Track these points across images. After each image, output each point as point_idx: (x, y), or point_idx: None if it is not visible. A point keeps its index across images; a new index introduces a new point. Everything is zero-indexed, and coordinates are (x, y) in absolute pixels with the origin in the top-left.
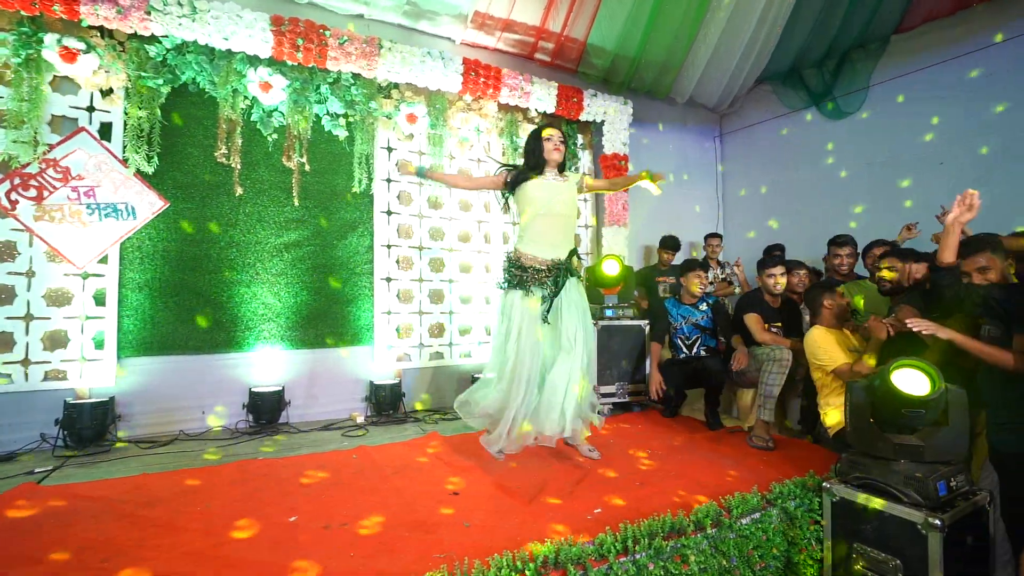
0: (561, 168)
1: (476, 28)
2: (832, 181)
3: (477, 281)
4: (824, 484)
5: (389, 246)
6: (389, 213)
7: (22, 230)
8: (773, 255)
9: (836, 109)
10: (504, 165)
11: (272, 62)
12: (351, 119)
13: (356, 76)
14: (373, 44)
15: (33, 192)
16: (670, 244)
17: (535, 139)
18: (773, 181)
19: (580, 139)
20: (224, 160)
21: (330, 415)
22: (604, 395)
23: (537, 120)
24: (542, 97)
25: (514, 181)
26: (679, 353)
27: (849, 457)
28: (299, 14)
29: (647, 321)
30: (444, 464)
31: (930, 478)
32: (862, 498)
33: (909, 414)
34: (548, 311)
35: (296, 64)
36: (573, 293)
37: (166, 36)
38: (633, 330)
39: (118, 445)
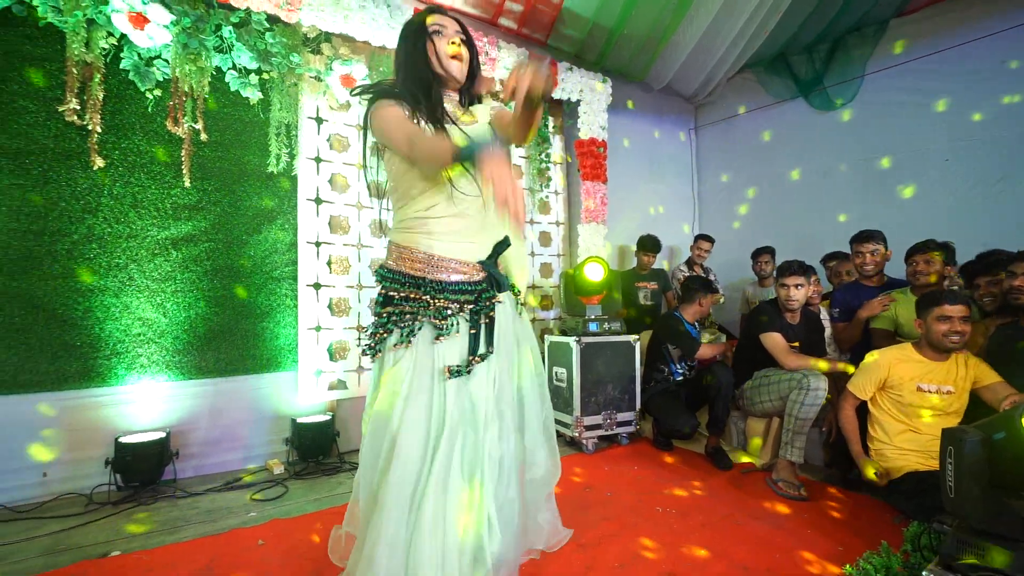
0: (469, 97)
1: None
2: (822, 178)
3: None
4: (924, 575)
5: (318, 243)
6: (319, 201)
7: None
8: (790, 263)
9: (826, 99)
10: (363, 88)
11: None
12: (266, 76)
13: (273, 20)
14: None
15: None
16: (650, 246)
17: (414, 36)
18: (754, 178)
19: (551, 121)
20: (76, 119)
21: (237, 464)
22: (588, 427)
23: (504, 98)
24: (510, 66)
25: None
26: (675, 375)
27: (956, 535)
28: None
29: (637, 336)
30: None
31: None
32: None
33: None
34: (468, 364)
35: None
36: (513, 322)
37: None
38: (621, 347)
39: None
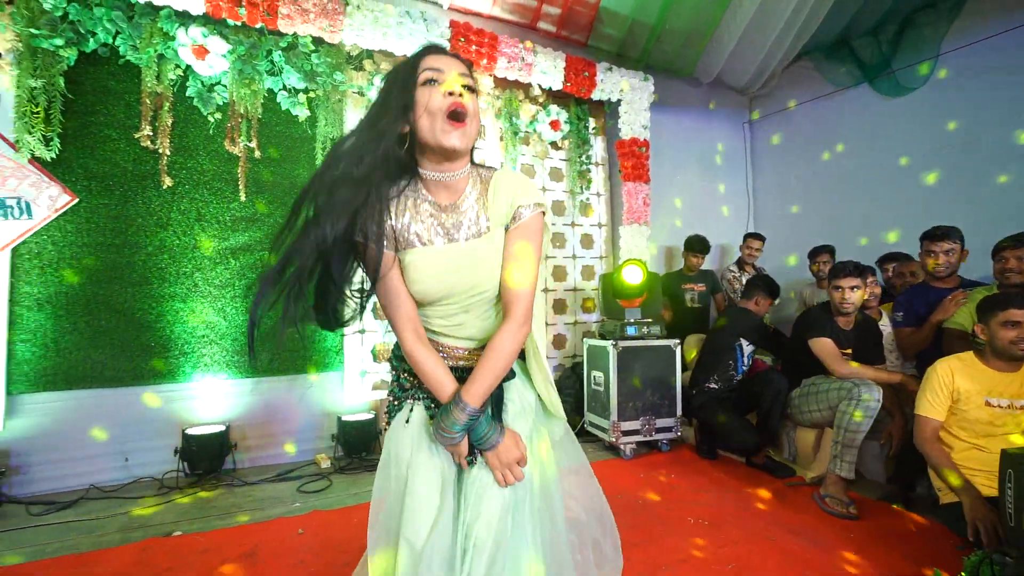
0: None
1: None
2: (891, 171)
3: None
4: None
5: None
6: None
7: None
8: (844, 264)
9: (895, 84)
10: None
11: (208, 20)
12: (313, 94)
13: (317, 41)
14: (337, 0)
15: None
16: (698, 246)
17: (403, 76)
18: (813, 172)
19: (592, 123)
20: (150, 144)
21: (289, 459)
22: (626, 433)
23: (542, 100)
24: (547, 70)
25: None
26: (739, 372)
27: (1018, 568)
28: None
29: (677, 340)
30: None
31: None
32: None
33: None
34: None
35: (240, 24)
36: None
37: None
38: (661, 351)
39: (4, 508)
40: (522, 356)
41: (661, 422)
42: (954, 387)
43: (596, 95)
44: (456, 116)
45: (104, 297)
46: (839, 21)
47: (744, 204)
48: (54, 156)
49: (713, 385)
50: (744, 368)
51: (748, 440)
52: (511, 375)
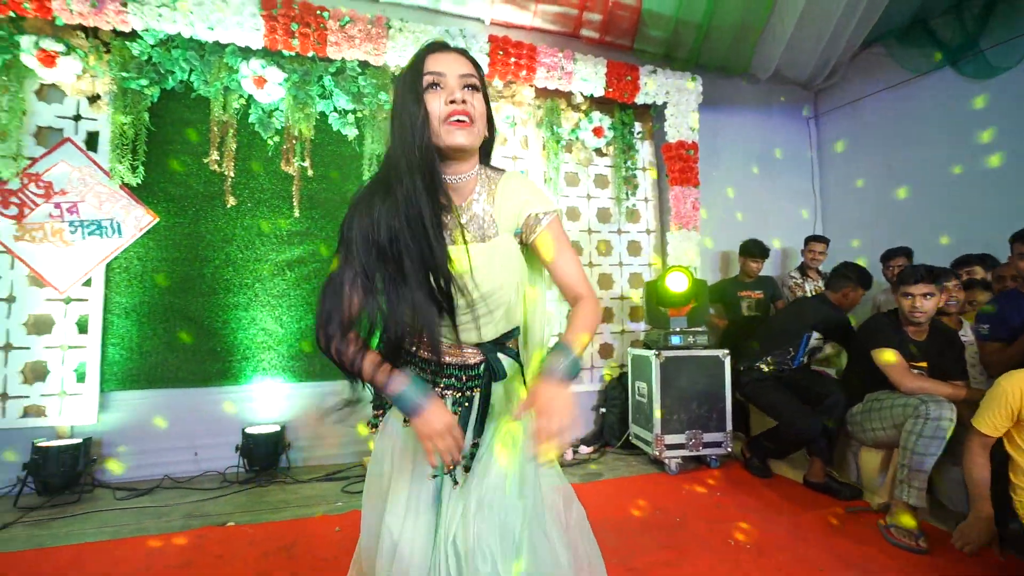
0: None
1: (505, 1)
2: (975, 163)
3: None
4: None
5: None
6: None
7: (3, 251)
8: (915, 268)
9: (985, 65)
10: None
11: (266, 53)
12: (360, 115)
13: (363, 64)
14: (380, 24)
15: (14, 210)
16: (756, 251)
17: (410, 83)
18: (888, 167)
19: (638, 127)
20: (217, 167)
21: (338, 459)
22: (670, 447)
23: (584, 107)
24: (587, 77)
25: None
26: (795, 362)
27: None
28: (312, 1)
29: (726, 351)
30: None
31: None
32: None
33: None
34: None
35: (294, 54)
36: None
37: (147, 30)
38: (708, 362)
39: (95, 492)
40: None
41: (709, 436)
42: (1022, 406)
43: (640, 99)
44: (461, 121)
45: (179, 306)
46: (911, 2)
47: (809, 204)
48: (139, 181)
49: (764, 367)
50: (801, 360)
51: (807, 426)
52: (503, 375)
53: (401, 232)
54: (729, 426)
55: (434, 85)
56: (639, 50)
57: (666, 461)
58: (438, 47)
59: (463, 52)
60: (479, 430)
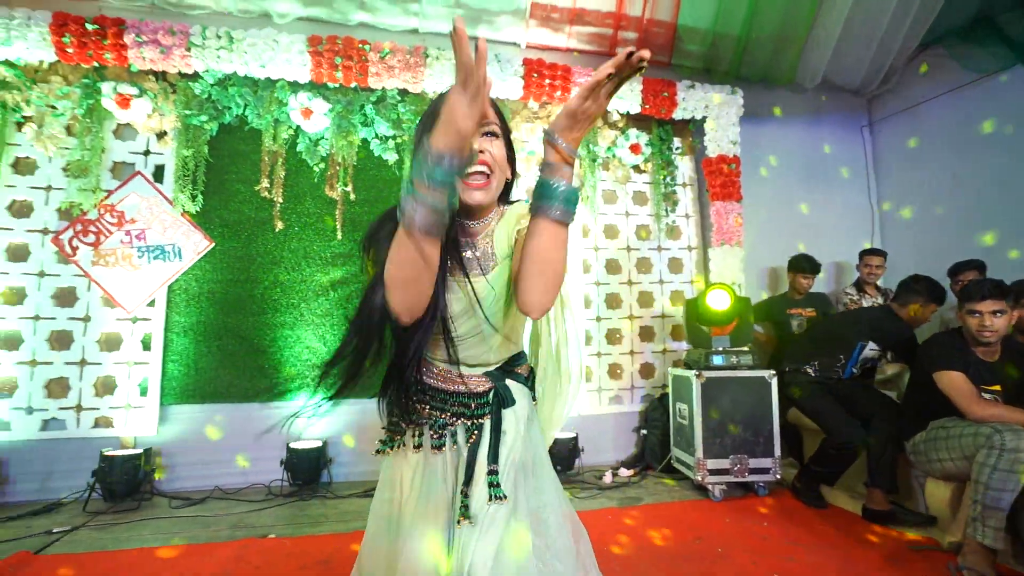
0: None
1: (540, 24)
2: None
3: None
4: None
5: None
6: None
7: (82, 275)
8: (981, 283)
9: None
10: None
11: (313, 86)
12: (399, 140)
13: (402, 92)
14: (418, 54)
15: (91, 238)
16: (806, 266)
17: (431, 125)
18: (953, 175)
19: (677, 142)
20: (267, 194)
21: (377, 475)
22: (713, 471)
23: (621, 124)
24: (623, 94)
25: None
26: (845, 374)
27: None
28: (353, 35)
29: (772, 371)
30: None
31: None
32: None
33: None
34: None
35: (338, 86)
36: (523, 439)
37: (207, 71)
38: (753, 383)
39: (153, 499)
40: (532, 384)
41: (755, 462)
42: None
43: (678, 114)
44: (477, 178)
45: (231, 325)
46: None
47: (864, 217)
48: (198, 209)
49: (810, 371)
50: (852, 372)
51: (853, 437)
52: (511, 402)
53: None
54: (777, 452)
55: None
56: (677, 65)
57: (709, 487)
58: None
59: (491, 105)
60: (494, 457)
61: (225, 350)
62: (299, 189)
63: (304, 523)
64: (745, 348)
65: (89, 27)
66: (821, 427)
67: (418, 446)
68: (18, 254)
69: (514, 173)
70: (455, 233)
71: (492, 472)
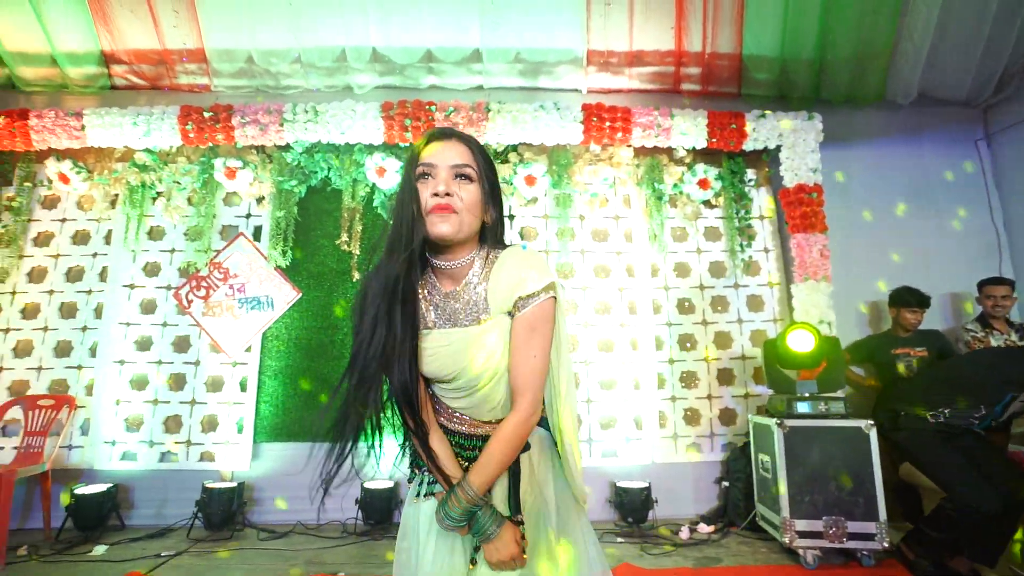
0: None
1: (599, 70)
2: None
3: (619, 360)
4: None
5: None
6: None
7: (195, 325)
8: None
9: None
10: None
11: (386, 147)
12: None
13: None
14: (480, 109)
15: (203, 292)
16: (912, 299)
17: (407, 172)
18: None
19: (751, 174)
20: (346, 247)
21: None
22: (803, 534)
23: (688, 160)
24: (687, 130)
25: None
26: (981, 424)
27: None
28: (423, 97)
29: (871, 421)
30: None
31: None
32: None
33: None
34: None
35: (408, 144)
36: (545, 492)
37: (296, 141)
38: (847, 434)
39: (245, 531)
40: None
41: (855, 526)
42: None
43: (749, 145)
44: (443, 212)
45: (314, 368)
46: None
47: (987, 242)
48: (288, 263)
49: (931, 418)
50: (991, 423)
51: (982, 501)
52: (526, 447)
53: (380, 317)
54: (883, 515)
55: (424, 175)
56: (748, 95)
57: (800, 551)
58: (436, 136)
59: (462, 138)
60: (516, 507)
61: (308, 392)
62: (374, 241)
63: (372, 563)
64: (838, 394)
65: (206, 115)
66: (939, 483)
67: (428, 494)
68: (148, 307)
69: (501, 216)
70: (433, 284)
71: (519, 523)
